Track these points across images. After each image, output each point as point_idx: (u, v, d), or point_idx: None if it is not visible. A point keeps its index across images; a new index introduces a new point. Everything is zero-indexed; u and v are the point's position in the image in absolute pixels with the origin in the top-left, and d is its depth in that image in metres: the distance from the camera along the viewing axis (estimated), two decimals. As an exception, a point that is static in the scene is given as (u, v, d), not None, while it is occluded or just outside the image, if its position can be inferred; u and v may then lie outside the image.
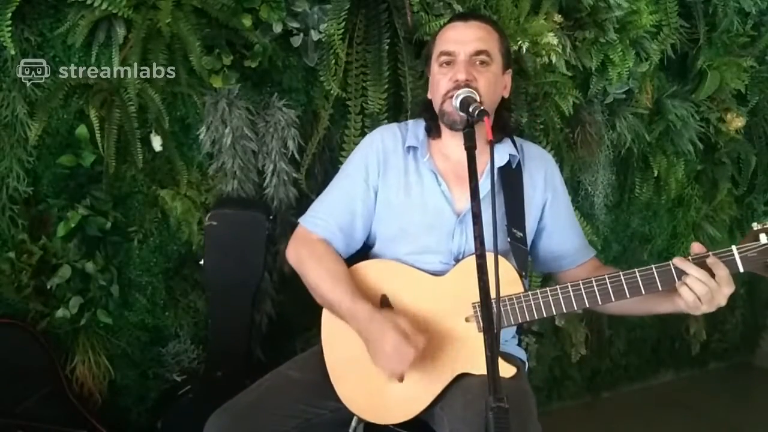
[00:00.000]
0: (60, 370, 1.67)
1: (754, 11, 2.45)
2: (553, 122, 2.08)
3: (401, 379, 1.29)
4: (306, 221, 1.45)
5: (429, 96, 1.45)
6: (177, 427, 1.71)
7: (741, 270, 1.19)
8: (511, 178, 1.41)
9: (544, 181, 1.45)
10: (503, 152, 1.41)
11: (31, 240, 1.61)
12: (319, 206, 1.46)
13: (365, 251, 1.48)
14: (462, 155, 1.37)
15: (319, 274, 1.36)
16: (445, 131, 1.42)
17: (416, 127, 1.46)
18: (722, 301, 1.19)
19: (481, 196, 1.33)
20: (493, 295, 0.98)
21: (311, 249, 1.40)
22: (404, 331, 1.24)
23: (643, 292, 1.23)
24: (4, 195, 1.58)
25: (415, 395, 1.31)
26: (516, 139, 1.48)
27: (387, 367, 1.25)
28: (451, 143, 1.41)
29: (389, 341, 1.23)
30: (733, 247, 1.19)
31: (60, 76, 1.57)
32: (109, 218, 1.66)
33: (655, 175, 2.43)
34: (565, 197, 1.50)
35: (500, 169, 1.40)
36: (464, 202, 1.38)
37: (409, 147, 1.43)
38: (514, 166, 1.42)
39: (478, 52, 1.33)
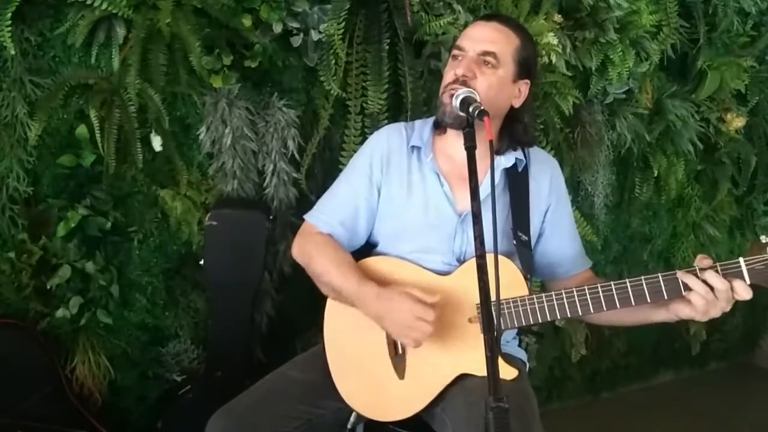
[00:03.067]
0: (60, 370, 1.67)
1: (754, 11, 2.45)
2: (553, 122, 2.08)
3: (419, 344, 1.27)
4: (311, 217, 1.47)
5: None
6: (177, 427, 1.71)
7: (747, 282, 1.18)
8: (517, 182, 1.41)
9: (548, 186, 1.45)
10: (509, 155, 1.41)
11: (31, 240, 1.61)
12: (324, 202, 1.48)
13: (369, 249, 1.48)
14: (465, 156, 1.37)
15: (323, 263, 1.37)
16: (449, 128, 1.42)
17: (422, 127, 1.46)
18: (727, 308, 1.19)
19: (483, 196, 1.34)
20: (493, 295, 0.98)
21: (314, 240, 1.41)
22: (417, 297, 1.24)
23: (649, 300, 1.21)
24: (4, 195, 1.58)
25: (415, 393, 1.31)
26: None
27: (410, 336, 1.24)
28: (455, 143, 1.41)
29: (405, 309, 1.23)
30: (741, 259, 1.18)
31: (60, 76, 1.57)
32: (109, 218, 1.66)
33: (655, 175, 2.42)
34: (567, 205, 1.50)
35: (506, 171, 1.41)
36: (466, 203, 1.37)
37: (412, 147, 1.43)
38: (520, 170, 1.42)
39: (485, 53, 1.33)
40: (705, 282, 1.17)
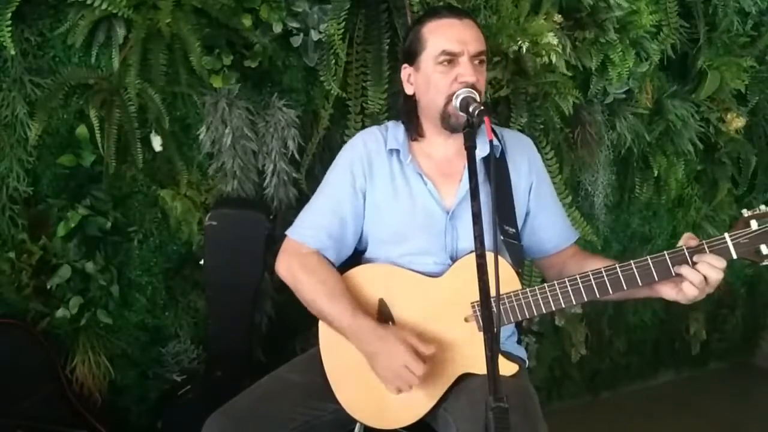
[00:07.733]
0: (60, 370, 1.67)
1: (754, 11, 2.44)
2: (553, 122, 2.08)
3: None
4: (294, 233, 1.42)
5: (409, 92, 1.42)
6: (177, 427, 1.72)
7: (734, 257, 1.20)
8: (496, 171, 1.39)
9: (528, 167, 1.46)
10: (484, 143, 1.34)
11: (31, 240, 1.61)
12: (306, 216, 1.43)
13: (357, 255, 1.47)
14: (446, 153, 1.38)
15: (314, 289, 1.34)
16: (430, 131, 1.41)
17: (396, 129, 1.45)
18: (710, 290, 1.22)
19: (465, 193, 1.34)
20: (493, 293, 0.98)
21: (303, 263, 1.37)
22: (414, 347, 1.24)
23: (640, 283, 1.23)
24: (4, 195, 1.58)
25: (417, 399, 1.30)
26: (494, 127, 1.45)
27: (393, 383, 1.25)
28: (436, 142, 1.41)
29: (397, 356, 1.23)
30: (726, 235, 1.21)
31: (60, 76, 1.57)
32: (109, 218, 1.66)
33: (655, 175, 2.42)
34: (547, 181, 1.51)
35: (484, 159, 1.37)
36: (452, 199, 1.38)
37: (390, 150, 1.42)
38: (498, 156, 1.40)
39: (480, 53, 1.34)
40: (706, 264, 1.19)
